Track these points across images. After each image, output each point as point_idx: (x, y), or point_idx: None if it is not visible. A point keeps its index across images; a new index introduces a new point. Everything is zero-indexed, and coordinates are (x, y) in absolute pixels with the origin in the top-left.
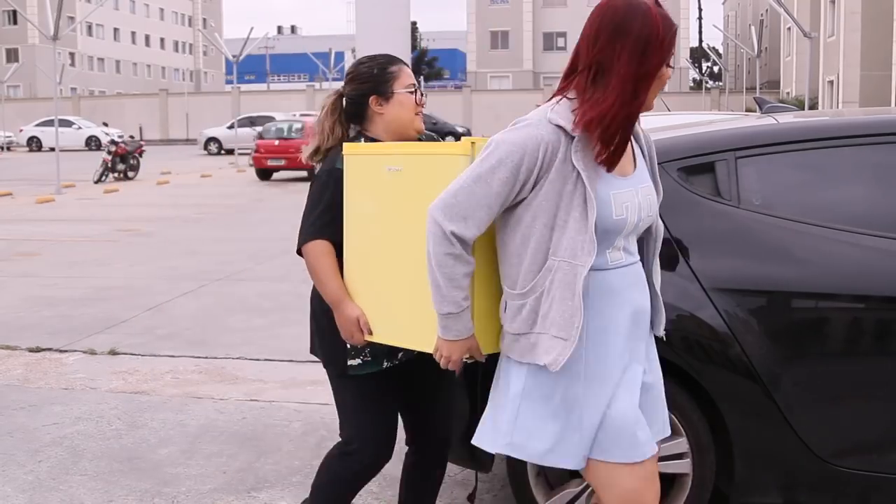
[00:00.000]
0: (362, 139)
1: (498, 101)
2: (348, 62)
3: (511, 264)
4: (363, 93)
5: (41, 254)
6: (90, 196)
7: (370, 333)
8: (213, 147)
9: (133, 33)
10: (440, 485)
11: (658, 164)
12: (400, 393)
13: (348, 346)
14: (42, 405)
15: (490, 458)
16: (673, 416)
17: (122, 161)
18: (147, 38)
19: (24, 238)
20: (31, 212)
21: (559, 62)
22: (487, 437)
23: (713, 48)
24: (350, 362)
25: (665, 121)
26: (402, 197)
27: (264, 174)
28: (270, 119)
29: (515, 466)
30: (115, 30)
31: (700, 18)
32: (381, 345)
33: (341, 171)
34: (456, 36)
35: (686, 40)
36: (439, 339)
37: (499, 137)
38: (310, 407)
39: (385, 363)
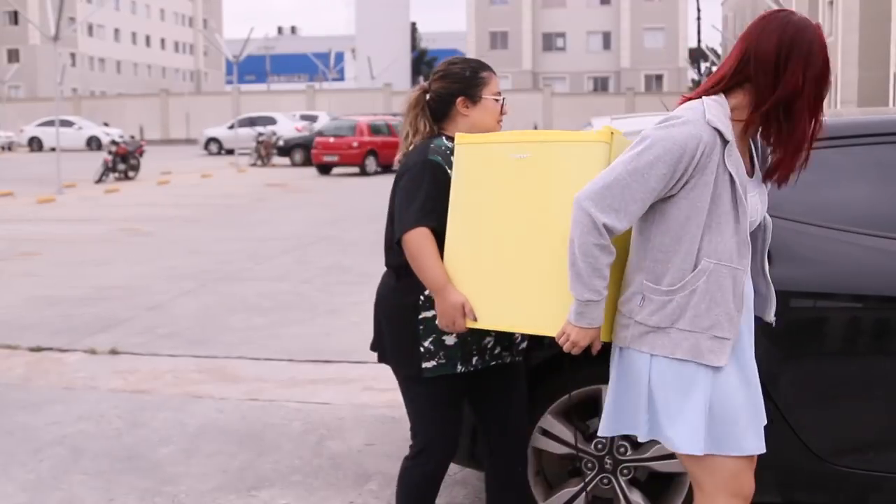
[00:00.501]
0: (444, 138)
1: None
2: (348, 62)
3: (657, 260)
4: (451, 92)
5: (42, 253)
6: (91, 196)
7: (474, 319)
8: (214, 147)
9: (134, 34)
10: (524, 485)
11: None
12: (469, 395)
13: (422, 349)
14: (43, 404)
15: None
16: None
17: (123, 161)
18: (148, 38)
19: (25, 238)
20: (32, 212)
21: (558, 63)
22: (637, 423)
23: (712, 49)
24: (424, 364)
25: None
26: (530, 183)
27: (323, 169)
28: (271, 119)
29: None
30: (116, 30)
31: (699, 19)
32: (457, 349)
33: (434, 163)
34: (456, 36)
35: (685, 41)
36: (569, 325)
37: (658, 134)
38: (309, 406)
39: (459, 367)
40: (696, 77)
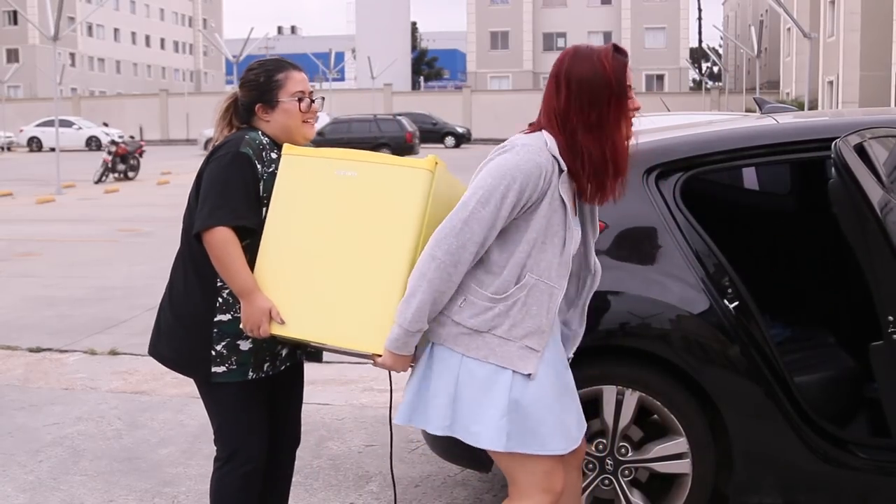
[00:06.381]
0: (259, 132)
1: (498, 102)
2: (348, 62)
3: (489, 271)
4: (251, 100)
5: (42, 254)
6: (90, 196)
7: (282, 323)
8: None
9: (133, 34)
10: (290, 485)
11: (658, 163)
12: (266, 399)
13: (213, 353)
14: (42, 405)
15: (490, 458)
16: (672, 416)
17: (123, 161)
18: (147, 38)
19: (24, 238)
20: (31, 212)
21: None
22: (429, 418)
23: (713, 48)
24: (214, 369)
25: (665, 121)
26: (352, 202)
27: None
28: None
29: None
30: (116, 30)
31: (700, 19)
32: (249, 354)
33: (245, 155)
34: (456, 36)
35: (686, 41)
36: (390, 353)
37: (505, 163)
38: (308, 407)
39: (251, 374)
40: (696, 77)
